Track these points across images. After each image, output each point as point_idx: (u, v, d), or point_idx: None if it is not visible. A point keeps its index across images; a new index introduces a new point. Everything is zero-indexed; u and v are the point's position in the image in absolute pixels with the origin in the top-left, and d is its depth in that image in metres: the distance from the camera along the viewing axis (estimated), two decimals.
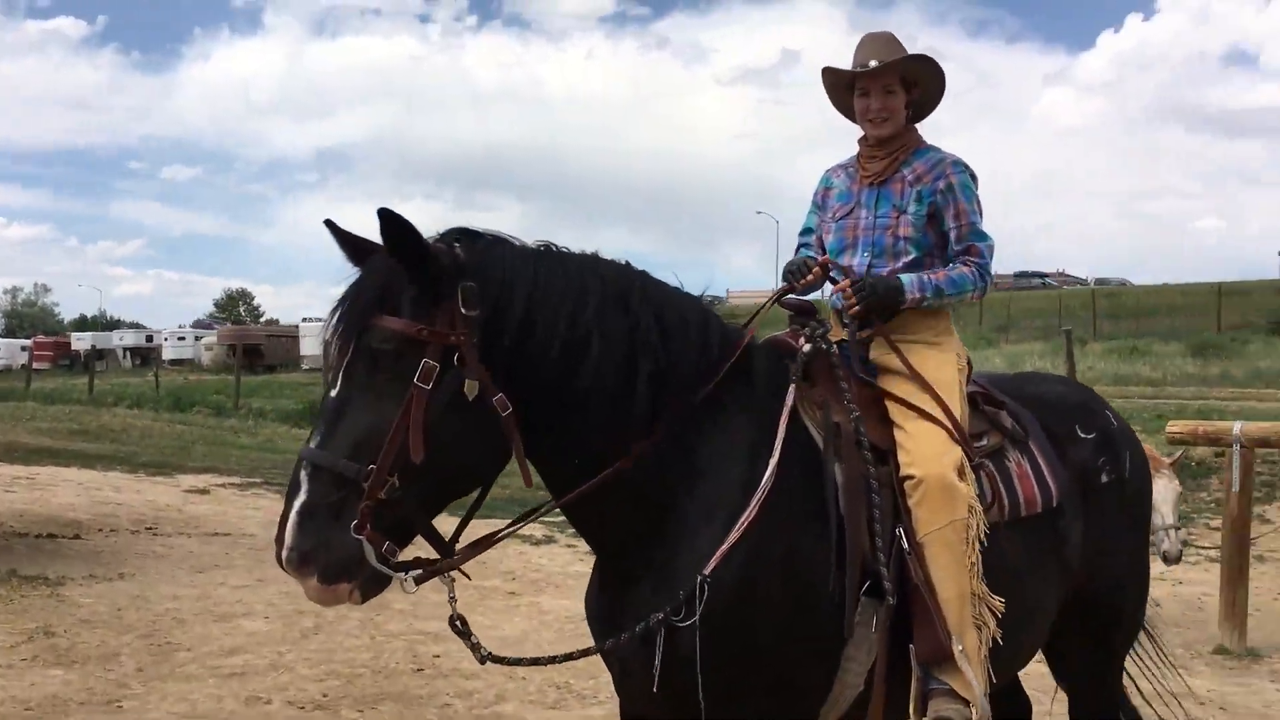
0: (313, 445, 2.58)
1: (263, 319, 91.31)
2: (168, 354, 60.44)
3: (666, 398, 2.86)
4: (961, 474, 3.07)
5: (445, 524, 2.83)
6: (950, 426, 3.11)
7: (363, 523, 2.51)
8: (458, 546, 2.80)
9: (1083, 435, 3.62)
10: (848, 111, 3.55)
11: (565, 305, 2.77)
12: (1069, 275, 73.11)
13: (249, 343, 51.88)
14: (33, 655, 6.57)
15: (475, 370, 2.63)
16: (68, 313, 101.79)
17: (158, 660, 6.62)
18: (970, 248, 3.41)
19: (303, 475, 2.56)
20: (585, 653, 2.96)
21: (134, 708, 5.75)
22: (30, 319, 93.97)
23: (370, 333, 2.61)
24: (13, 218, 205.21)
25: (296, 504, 2.54)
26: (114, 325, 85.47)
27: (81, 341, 64.20)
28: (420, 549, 2.76)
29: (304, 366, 48.54)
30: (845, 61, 3.49)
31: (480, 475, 2.80)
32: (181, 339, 64.31)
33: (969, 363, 3.45)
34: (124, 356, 64.09)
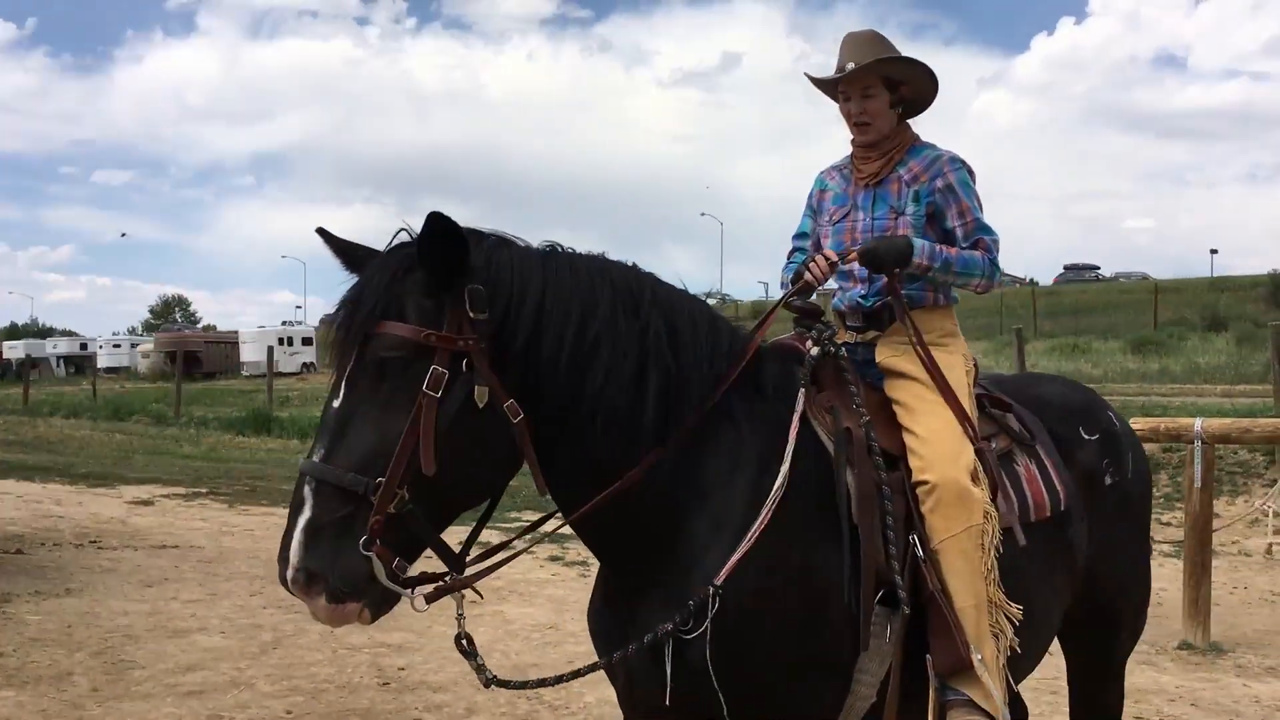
0: (315, 459, 2.48)
1: (200, 325, 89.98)
2: (103, 362, 59.10)
3: (677, 404, 2.77)
4: (975, 478, 3.00)
5: (453, 534, 2.70)
6: (963, 428, 3.05)
7: (373, 538, 2.41)
8: (468, 562, 2.69)
9: (1086, 437, 3.57)
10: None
11: (575, 308, 2.68)
12: (1008, 275, 73.99)
13: (187, 349, 50.98)
14: None
15: (486, 376, 2.54)
16: None
17: (112, 679, 6.40)
18: (978, 241, 3.34)
19: (306, 491, 2.46)
20: (593, 668, 2.87)
21: None
22: None
23: (375, 340, 2.51)
24: None
25: (301, 521, 2.43)
26: (47, 333, 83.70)
27: (14, 350, 62.78)
28: (426, 563, 2.65)
29: (244, 373, 47.85)
30: (823, 64, 3.42)
31: (491, 485, 2.71)
32: (117, 346, 63.10)
33: (975, 365, 3.39)
34: (58, 365, 62.72)
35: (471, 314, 2.54)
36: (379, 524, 2.41)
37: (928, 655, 2.87)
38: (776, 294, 3.50)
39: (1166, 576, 9.20)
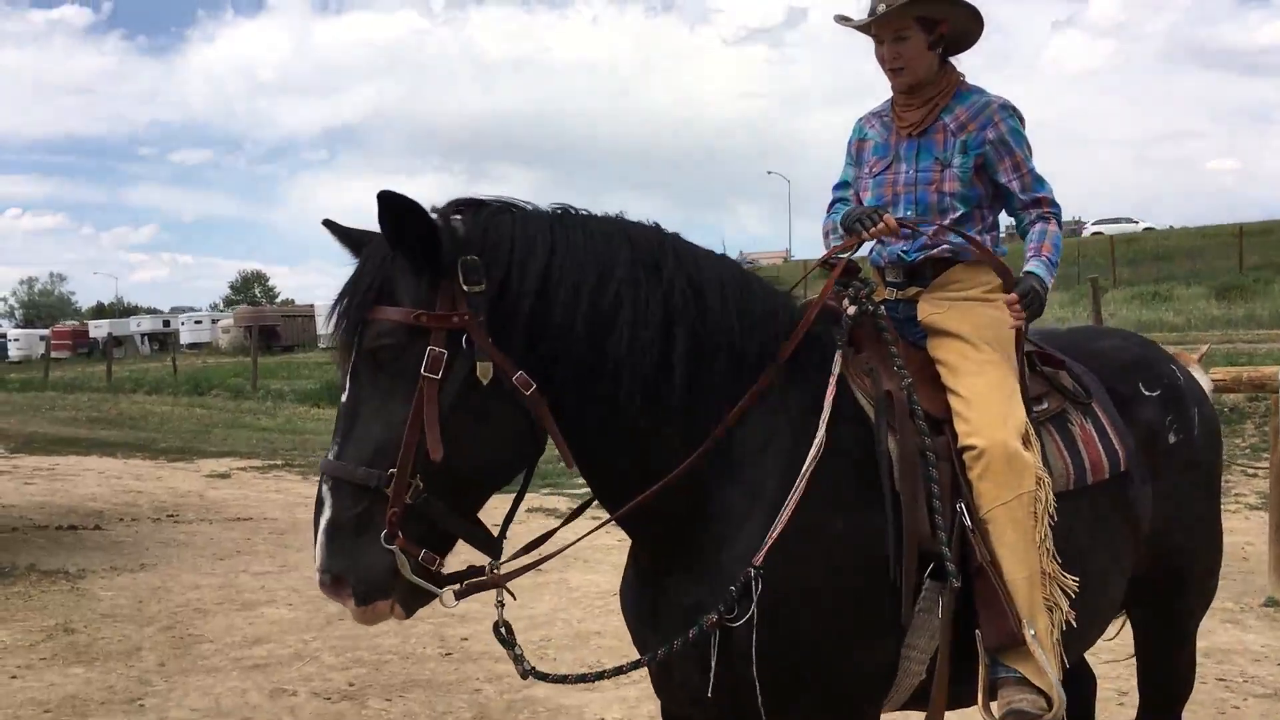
0: (330, 456, 2.42)
1: (278, 299, 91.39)
2: (185, 338, 60.46)
3: (707, 366, 2.62)
4: (1026, 441, 2.83)
5: (493, 512, 2.61)
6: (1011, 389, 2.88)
7: (392, 532, 2.34)
8: (504, 561, 2.58)
9: (1147, 393, 3.36)
10: None
11: (591, 270, 2.53)
12: (1081, 222, 72.32)
13: (265, 324, 51.79)
14: (52, 654, 6.43)
15: (487, 350, 2.42)
16: (85, 300, 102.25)
17: (180, 654, 6.47)
18: (1040, 198, 3.16)
19: (324, 490, 2.41)
20: (635, 665, 2.73)
21: (155, 705, 5.59)
22: (47, 308, 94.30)
23: (369, 327, 2.43)
24: (27, 208, 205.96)
25: (322, 522, 2.38)
26: (131, 311, 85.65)
27: (99, 329, 64.32)
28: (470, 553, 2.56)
29: (321, 345, 48.49)
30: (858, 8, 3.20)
31: (514, 464, 2.57)
32: (198, 323, 64.33)
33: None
34: (142, 342, 64.19)
35: (465, 286, 2.42)
36: (395, 516, 2.34)
37: (977, 630, 2.71)
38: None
39: (1254, 530, 8.91)
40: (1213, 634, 6.66)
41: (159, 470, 15.38)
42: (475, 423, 2.41)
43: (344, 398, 2.47)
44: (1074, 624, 2.84)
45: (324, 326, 2.63)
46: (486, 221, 2.52)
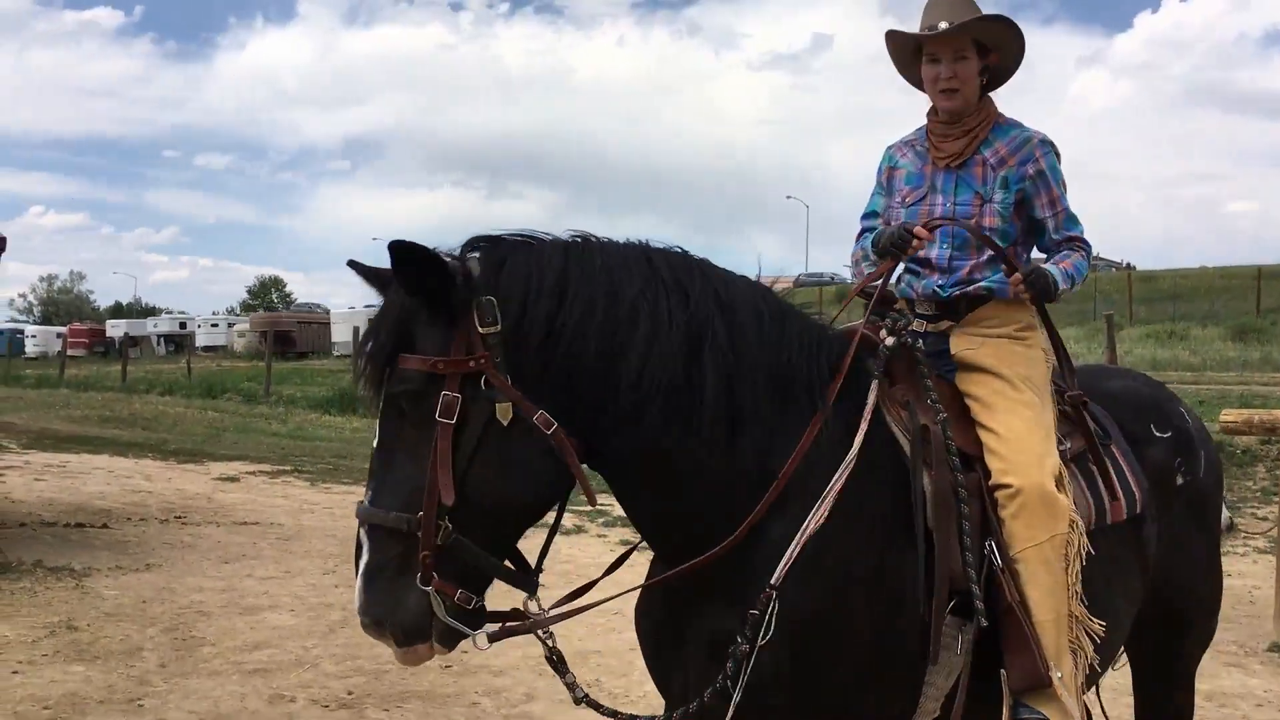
0: (366, 503, 2.47)
1: (294, 305, 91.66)
2: (201, 340, 60.72)
3: (748, 395, 2.59)
4: (1060, 483, 2.81)
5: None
6: (1046, 428, 2.87)
7: (426, 574, 2.37)
8: (550, 609, 2.61)
9: (1158, 435, 3.36)
10: (916, 81, 3.22)
11: (600, 295, 2.49)
12: (1103, 259, 72.27)
13: (280, 329, 51.96)
14: (54, 650, 6.45)
15: (505, 391, 2.41)
16: (104, 300, 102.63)
17: (181, 655, 6.48)
18: (1072, 237, 3.14)
19: (362, 535, 2.46)
20: (688, 711, 2.61)
21: (154, 706, 5.60)
22: (66, 306, 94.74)
23: (393, 376, 2.46)
24: (50, 206, 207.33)
25: (361, 567, 2.44)
26: (149, 312, 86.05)
27: (116, 328, 64.64)
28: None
29: (335, 353, 48.63)
30: (910, 25, 3.16)
31: (545, 501, 2.56)
32: (215, 326, 64.67)
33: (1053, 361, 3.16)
34: (158, 343, 64.48)
35: (481, 329, 2.42)
36: (428, 559, 2.36)
37: (1002, 670, 2.68)
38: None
39: (1261, 574, 8.86)
40: (1216, 677, 6.62)
41: (169, 471, 15.42)
42: (500, 463, 2.41)
43: (375, 443, 2.51)
44: (1098, 669, 2.84)
45: (355, 379, 2.61)
46: (501, 259, 2.51)
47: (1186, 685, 3.60)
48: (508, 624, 2.54)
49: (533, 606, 2.57)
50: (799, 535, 2.54)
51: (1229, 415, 7.84)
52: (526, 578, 2.56)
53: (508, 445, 2.42)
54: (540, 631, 2.58)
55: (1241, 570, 9.56)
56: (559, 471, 2.47)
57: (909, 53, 3.18)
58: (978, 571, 2.66)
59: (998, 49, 3.13)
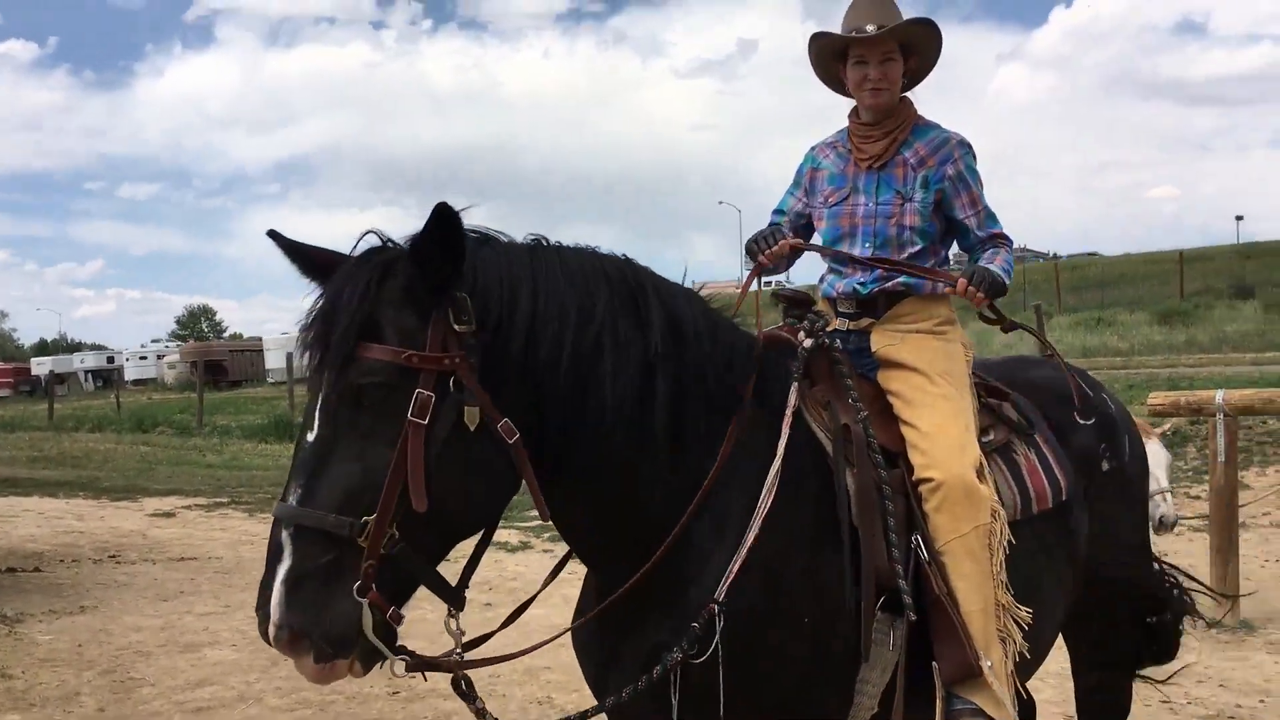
0: (292, 501, 2.24)
1: (226, 334, 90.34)
2: (130, 374, 59.62)
3: (690, 409, 2.59)
4: (981, 474, 2.84)
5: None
6: (966, 422, 2.89)
7: (366, 584, 2.19)
8: (465, 653, 2.51)
9: (1081, 422, 3.40)
10: (835, 83, 3.26)
11: (571, 311, 2.45)
12: (1029, 250, 73.59)
13: (212, 359, 51.10)
14: None
15: (477, 395, 2.30)
16: (28, 337, 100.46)
17: (120, 698, 6.34)
18: (995, 234, 3.18)
19: (284, 537, 2.22)
20: (597, 710, 2.65)
21: None
22: None
23: (353, 364, 2.26)
24: None
25: (281, 571, 2.20)
26: (75, 348, 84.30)
27: (41, 366, 63.25)
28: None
29: (269, 380, 47.98)
30: (831, 28, 3.18)
31: (489, 513, 2.48)
32: (143, 358, 63.45)
33: (972, 353, 3.22)
34: (86, 379, 63.18)
35: (456, 326, 2.31)
36: (372, 568, 2.19)
37: (934, 663, 2.70)
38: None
39: (1197, 552, 9.01)
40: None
41: (101, 510, 15.08)
42: (459, 470, 2.30)
43: (312, 437, 2.29)
44: (1027, 655, 2.85)
45: (298, 357, 2.39)
46: (472, 255, 2.39)
47: (1127, 665, 3.65)
48: (431, 661, 2.42)
49: (452, 624, 2.46)
50: (737, 554, 2.54)
51: (1156, 398, 7.99)
52: (456, 592, 2.42)
53: (469, 451, 2.31)
54: (456, 653, 2.48)
55: (1176, 549, 9.70)
56: (510, 483, 2.42)
57: (831, 55, 3.22)
58: (905, 566, 2.68)
59: (918, 52, 3.18)
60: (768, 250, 3.07)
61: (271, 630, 2.20)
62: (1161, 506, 7.47)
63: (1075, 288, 45.29)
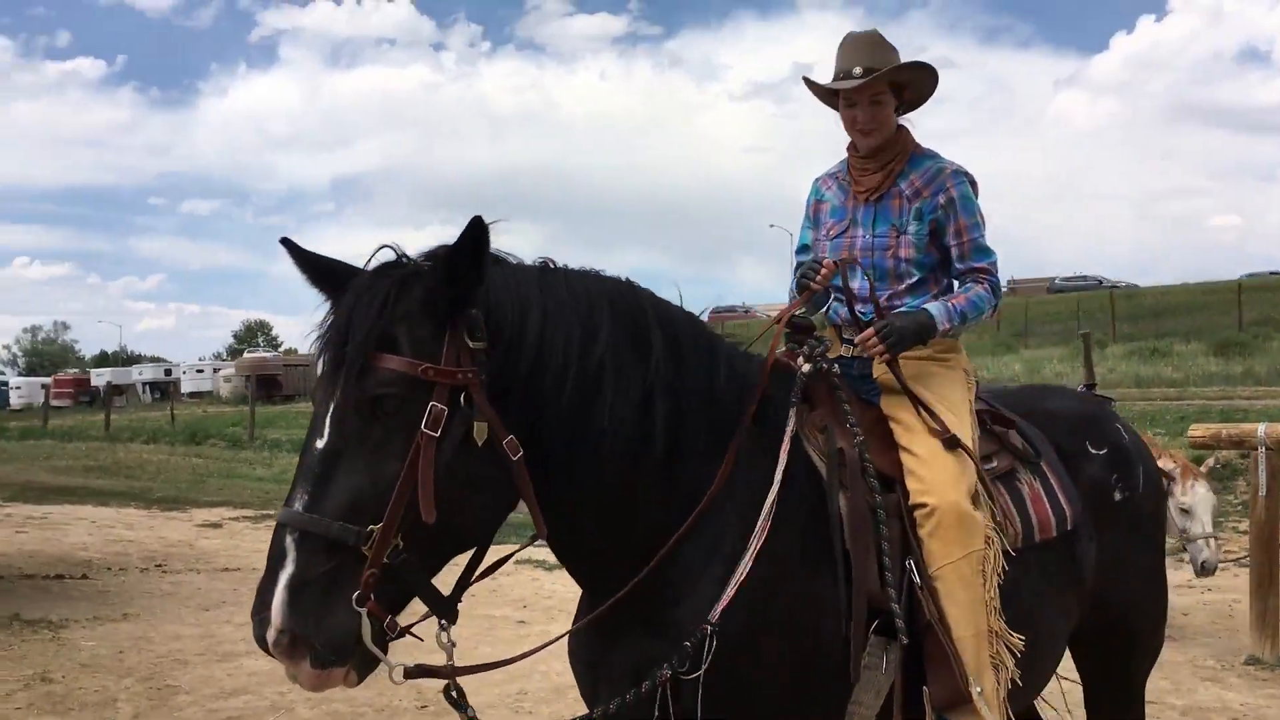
0: (297, 507, 2.27)
1: (281, 349, 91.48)
2: (186, 387, 60.51)
3: (687, 434, 2.64)
4: (976, 501, 2.85)
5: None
6: (963, 449, 2.90)
7: (366, 593, 2.22)
8: (459, 662, 2.52)
9: (1094, 451, 3.41)
10: (836, 105, 3.29)
11: (577, 334, 2.51)
12: (1086, 277, 72.60)
13: (266, 373, 51.81)
14: (28, 703, 6.41)
15: (485, 411, 2.35)
16: (89, 349, 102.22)
17: (156, 705, 6.45)
18: (974, 268, 3.19)
19: (288, 543, 2.25)
20: (586, 719, 2.68)
21: None
22: (50, 357, 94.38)
23: (368, 375, 2.30)
24: (35, 257, 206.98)
25: (284, 578, 2.22)
26: (134, 360, 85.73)
27: (100, 377, 64.39)
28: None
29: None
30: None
31: (487, 528, 2.51)
32: (200, 371, 64.43)
33: (976, 380, 3.25)
34: (143, 391, 64.24)
35: (470, 343, 2.36)
36: (373, 578, 2.22)
37: (924, 688, 2.72)
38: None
39: (1242, 587, 8.86)
40: (1193, 692, 6.63)
41: (151, 520, 15.36)
42: (465, 483, 2.33)
43: (320, 444, 2.31)
44: (1019, 683, 2.85)
45: (311, 364, 2.47)
46: (486, 275, 2.43)
47: (1137, 698, 3.63)
48: (430, 669, 2.47)
49: (444, 636, 2.48)
50: (733, 576, 2.57)
51: (1197, 430, 7.88)
52: (450, 605, 2.46)
53: (475, 466, 2.35)
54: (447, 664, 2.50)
55: (1223, 585, 9.57)
56: (510, 500, 2.46)
57: (825, 93, 3.27)
58: (899, 590, 2.70)
59: (910, 86, 3.23)
60: (816, 278, 3.10)
61: (271, 634, 2.22)
62: (1205, 552, 7.43)
63: (1131, 317, 44.66)
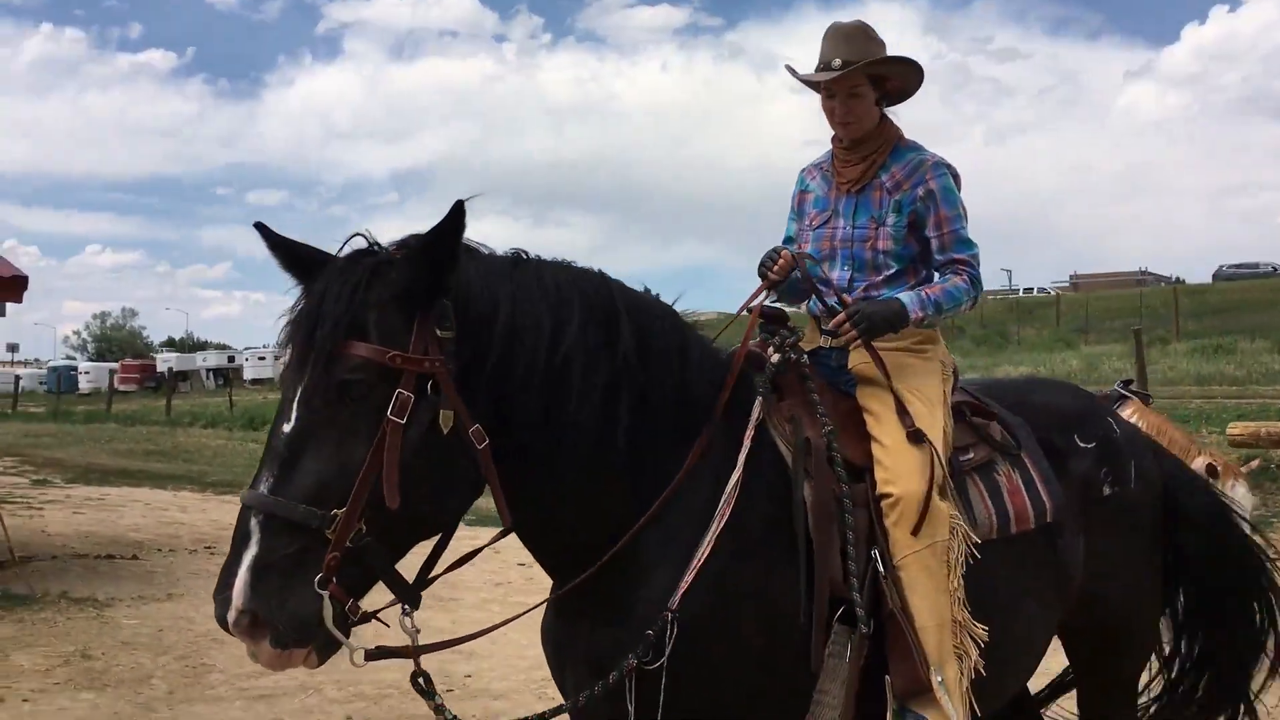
0: (263, 490, 2.30)
1: None
2: (248, 374, 61.43)
3: (650, 425, 2.66)
4: (943, 492, 2.85)
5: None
6: (931, 441, 2.90)
7: (329, 576, 2.25)
8: (420, 630, 2.54)
9: (1082, 445, 3.37)
10: None
11: (546, 325, 2.55)
12: (1151, 273, 71.38)
13: None
14: (66, 679, 6.60)
15: (452, 400, 2.39)
16: (157, 335, 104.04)
17: (189, 682, 6.61)
18: (955, 259, 3.18)
19: (253, 524, 2.28)
20: (558, 710, 2.72)
21: None
22: (119, 342, 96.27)
23: (337, 361, 2.33)
24: (106, 245, 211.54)
25: (247, 559, 2.25)
26: (200, 346, 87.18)
27: (166, 363, 65.60)
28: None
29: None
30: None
31: (452, 514, 2.54)
32: (261, 358, 65.31)
33: (955, 372, 3.24)
34: (207, 377, 65.33)
35: (439, 332, 2.39)
36: (335, 560, 2.25)
37: (887, 676, 2.73)
38: None
39: None
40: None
41: (205, 503, 15.67)
42: (429, 470, 2.37)
43: (287, 428, 2.34)
44: (983, 673, 2.84)
45: (279, 349, 2.48)
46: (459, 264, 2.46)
47: (1129, 696, 3.59)
48: (393, 650, 2.51)
49: (407, 622, 2.51)
50: (691, 563, 2.59)
51: (1235, 428, 7.78)
52: (414, 590, 2.49)
53: (441, 453, 2.38)
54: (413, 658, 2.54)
55: None
56: (475, 488, 2.50)
57: (810, 83, 3.26)
58: (862, 579, 2.70)
59: (893, 77, 3.21)
60: (773, 268, 3.12)
61: (232, 614, 2.24)
62: None
63: (1196, 313, 43.83)
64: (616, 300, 2.73)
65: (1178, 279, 64.65)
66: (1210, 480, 7.18)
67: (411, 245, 2.47)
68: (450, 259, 2.40)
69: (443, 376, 2.39)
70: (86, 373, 66.57)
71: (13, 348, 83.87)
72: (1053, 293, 57.92)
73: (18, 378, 51.61)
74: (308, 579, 2.26)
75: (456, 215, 2.38)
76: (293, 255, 2.55)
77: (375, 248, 2.51)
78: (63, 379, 62.77)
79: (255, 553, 2.26)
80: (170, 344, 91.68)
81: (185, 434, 28.64)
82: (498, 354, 2.49)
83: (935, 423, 2.98)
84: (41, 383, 65.35)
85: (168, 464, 21.71)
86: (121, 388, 54.69)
